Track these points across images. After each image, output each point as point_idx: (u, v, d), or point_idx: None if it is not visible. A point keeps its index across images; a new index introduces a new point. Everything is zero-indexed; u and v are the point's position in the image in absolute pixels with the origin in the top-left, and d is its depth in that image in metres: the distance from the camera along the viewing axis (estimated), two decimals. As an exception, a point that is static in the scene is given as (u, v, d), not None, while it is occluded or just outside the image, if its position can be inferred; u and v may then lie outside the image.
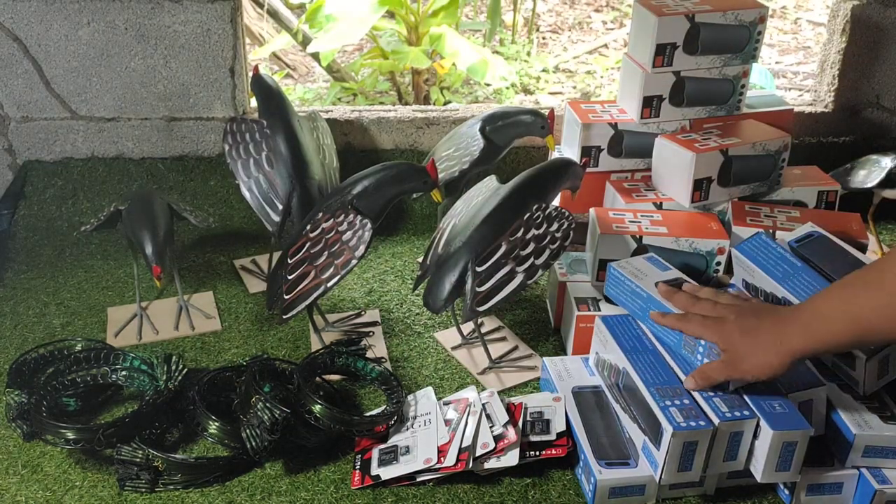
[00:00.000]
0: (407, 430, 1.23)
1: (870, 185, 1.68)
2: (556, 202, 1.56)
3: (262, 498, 1.15)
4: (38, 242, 1.70)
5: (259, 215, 1.55)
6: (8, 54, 1.71)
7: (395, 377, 1.31)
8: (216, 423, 1.19)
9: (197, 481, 1.16)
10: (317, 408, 1.19)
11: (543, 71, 3.52)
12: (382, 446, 1.21)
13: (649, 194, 1.59)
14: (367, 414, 1.29)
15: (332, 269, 1.31)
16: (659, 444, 1.10)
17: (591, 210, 1.50)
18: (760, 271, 1.30)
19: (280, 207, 1.53)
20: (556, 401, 1.24)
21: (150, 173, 1.81)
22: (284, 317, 1.33)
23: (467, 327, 1.46)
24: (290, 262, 1.34)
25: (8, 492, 1.15)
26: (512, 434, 1.18)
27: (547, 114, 1.59)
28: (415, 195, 1.63)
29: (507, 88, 3.37)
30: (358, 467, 1.19)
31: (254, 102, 1.78)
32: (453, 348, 1.44)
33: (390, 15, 3.07)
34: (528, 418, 1.21)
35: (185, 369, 1.30)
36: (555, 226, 1.34)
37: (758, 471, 1.12)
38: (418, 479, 1.18)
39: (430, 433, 1.21)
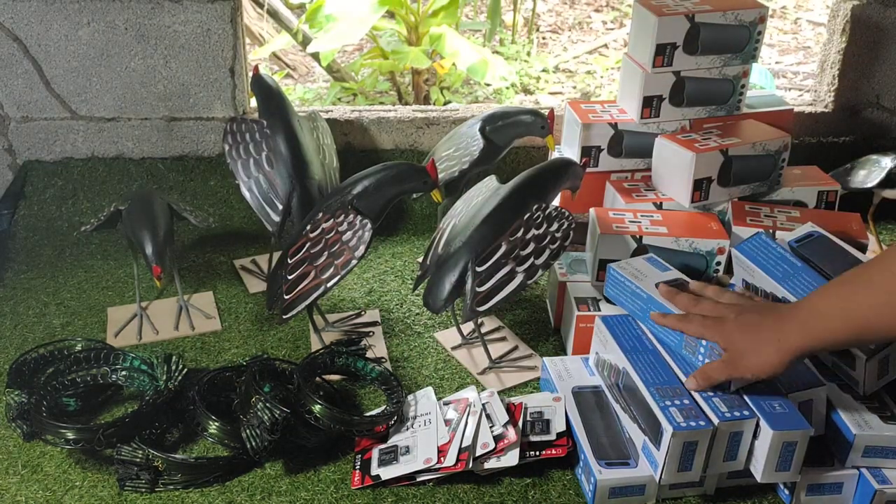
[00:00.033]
0: (407, 430, 1.23)
1: (870, 185, 1.68)
2: (556, 202, 1.56)
3: (262, 498, 1.15)
4: (38, 242, 1.70)
5: (259, 215, 1.55)
6: (8, 54, 1.71)
7: (395, 377, 1.31)
8: (216, 423, 1.19)
9: (197, 481, 1.16)
10: (317, 408, 1.19)
11: (543, 71, 3.52)
12: (382, 446, 1.21)
13: (649, 194, 1.59)
14: (367, 414, 1.29)
15: (332, 270, 1.31)
16: (659, 444, 1.10)
17: (591, 210, 1.50)
18: (760, 271, 1.30)
19: (280, 207, 1.53)
20: (556, 401, 1.24)
21: (150, 173, 1.81)
22: (284, 317, 1.33)
23: (467, 327, 1.46)
24: (290, 262, 1.34)
25: (8, 492, 1.15)
26: (512, 434, 1.18)
27: (547, 114, 1.59)
28: (415, 195, 1.63)
29: (507, 88, 3.37)
30: (358, 467, 1.19)
31: (254, 102, 1.78)
32: (453, 348, 1.44)
33: (390, 15, 3.07)
34: (528, 418, 1.21)
35: (185, 369, 1.30)
36: (555, 226, 1.34)
37: (758, 471, 1.12)
38: (418, 479, 1.18)
39: (430, 433, 1.21)
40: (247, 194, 1.55)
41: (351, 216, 1.32)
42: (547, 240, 1.33)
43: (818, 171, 1.67)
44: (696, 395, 1.13)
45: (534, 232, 1.33)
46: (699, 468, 1.12)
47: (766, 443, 1.09)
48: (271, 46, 3.18)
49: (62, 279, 1.60)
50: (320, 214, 1.34)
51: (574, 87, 3.46)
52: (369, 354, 1.37)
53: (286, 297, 1.33)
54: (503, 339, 1.47)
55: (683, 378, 1.16)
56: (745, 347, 1.08)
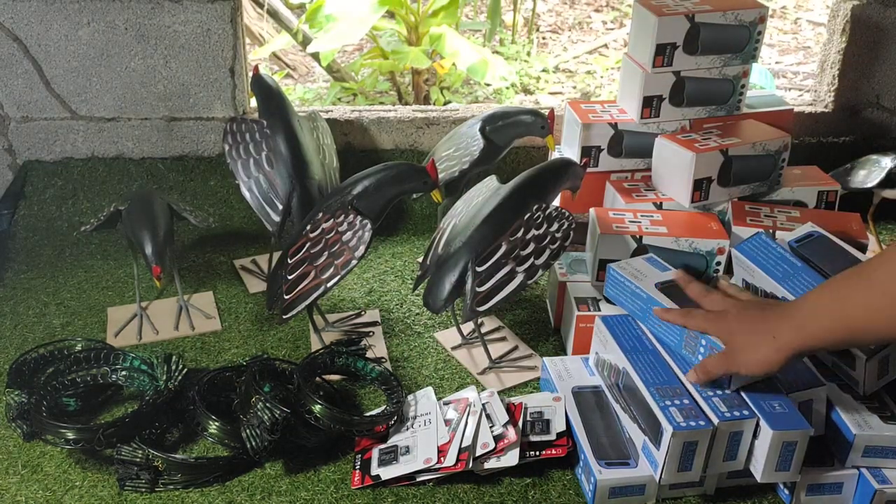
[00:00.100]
0: (407, 430, 1.23)
1: (870, 185, 1.68)
2: (556, 202, 1.56)
3: (262, 498, 1.15)
4: (38, 242, 1.70)
5: (259, 215, 1.55)
6: (8, 54, 1.71)
7: (395, 377, 1.32)
8: (216, 423, 1.19)
9: (197, 481, 1.16)
10: (317, 408, 1.19)
11: (543, 71, 3.52)
12: (382, 446, 1.21)
13: (649, 194, 1.59)
14: (367, 414, 1.29)
15: (332, 270, 1.31)
16: (659, 444, 1.10)
17: (591, 210, 1.50)
18: (760, 271, 1.30)
19: (280, 207, 1.53)
20: (556, 401, 1.24)
21: (150, 173, 1.81)
22: (284, 317, 1.33)
23: (467, 327, 1.46)
24: (290, 262, 1.34)
25: (8, 492, 1.15)
26: (512, 434, 1.18)
27: (547, 114, 1.59)
28: (415, 195, 1.63)
29: (507, 88, 3.37)
30: (358, 467, 1.19)
31: (254, 102, 1.78)
32: (453, 348, 1.44)
33: (390, 15, 3.07)
34: (528, 418, 1.21)
35: (185, 369, 1.30)
36: (555, 226, 1.34)
37: (758, 471, 1.12)
38: (418, 479, 1.18)
39: (430, 433, 1.21)
40: (247, 194, 1.55)
41: (351, 216, 1.32)
42: (547, 240, 1.33)
43: (818, 171, 1.67)
44: (696, 395, 1.13)
45: (534, 232, 1.33)
46: (699, 468, 1.12)
47: (766, 443, 1.09)
48: (271, 46, 3.18)
49: (62, 279, 1.60)
50: (320, 214, 1.34)
51: (574, 87, 3.46)
52: (369, 354, 1.37)
53: (286, 297, 1.33)
54: (503, 339, 1.47)
55: (683, 378, 1.16)
56: (743, 342, 1.08)
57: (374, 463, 1.19)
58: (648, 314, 1.23)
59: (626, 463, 1.15)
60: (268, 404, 1.17)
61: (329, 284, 1.31)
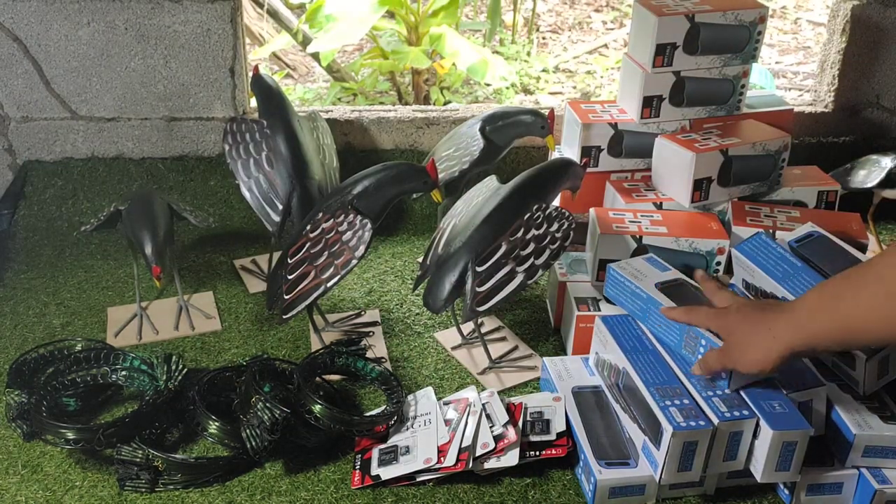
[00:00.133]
0: (407, 430, 1.23)
1: (870, 185, 1.68)
2: (556, 202, 1.56)
3: (262, 498, 1.15)
4: (38, 242, 1.70)
5: (259, 215, 1.55)
6: (8, 54, 1.71)
7: (395, 377, 1.31)
8: (216, 423, 1.19)
9: (197, 481, 1.16)
10: (317, 408, 1.19)
11: (543, 71, 3.52)
12: (382, 446, 1.21)
13: (649, 194, 1.59)
14: (367, 414, 1.29)
15: (332, 269, 1.31)
16: (659, 444, 1.10)
17: (591, 210, 1.50)
18: (760, 271, 1.30)
19: (280, 207, 1.53)
20: (556, 401, 1.24)
21: (150, 173, 1.81)
22: (284, 317, 1.33)
23: (467, 327, 1.46)
24: (290, 262, 1.34)
25: (8, 492, 1.15)
26: (512, 434, 1.18)
27: (547, 114, 1.59)
28: (415, 195, 1.63)
29: (507, 88, 3.37)
30: (358, 467, 1.19)
31: (254, 102, 1.78)
32: (453, 348, 1.44)
33: (390, 15, 3.07)
34: (528, 418, 1.21)
35: (185, 369, 1.30)
36: (555, 226, 1.34)
37: (758, 471, 1.12)
38: (418, 479, 1.18)
39: (430, 433, 1.21)
40: (247, 194, 1.55)
41: (351, 216, 1.32)
42: (547, 240, 1.33)
43: (818, 171, 1.67)
44: (696, 395, 1.13)
45: (534, 232, 1.33)
46: (699, 468, 1.12)
47: (766, 443, 1.09)
48: (271, 46, 3.18)
49: (62, 279, 1.60)
50: (320, 214, 1.34)
51: (574, 87, 3.46)
52: (369, 354, 1.37)
53: (286, 297, 1.33)
54: (503, 339, 1.47)
55: (683, 378, 1.16)
56: (741, 338, 1.08)
57: (374, 463, 1.19)
58: (648, 314, 1.23)
59: (626, 463, 1.15)
60: (268, 404, 1.17)
61: (329, 284, 1.31)
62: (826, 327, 1.02)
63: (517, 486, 1.18)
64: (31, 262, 1.65)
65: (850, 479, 1.15)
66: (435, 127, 1.84)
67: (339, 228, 1.32)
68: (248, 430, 1.17)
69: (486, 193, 1.42)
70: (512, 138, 1.62)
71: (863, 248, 1.43)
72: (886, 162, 1.69)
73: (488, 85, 3.34)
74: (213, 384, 1.28)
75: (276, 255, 1.45)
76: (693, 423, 1.09)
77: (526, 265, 1.32)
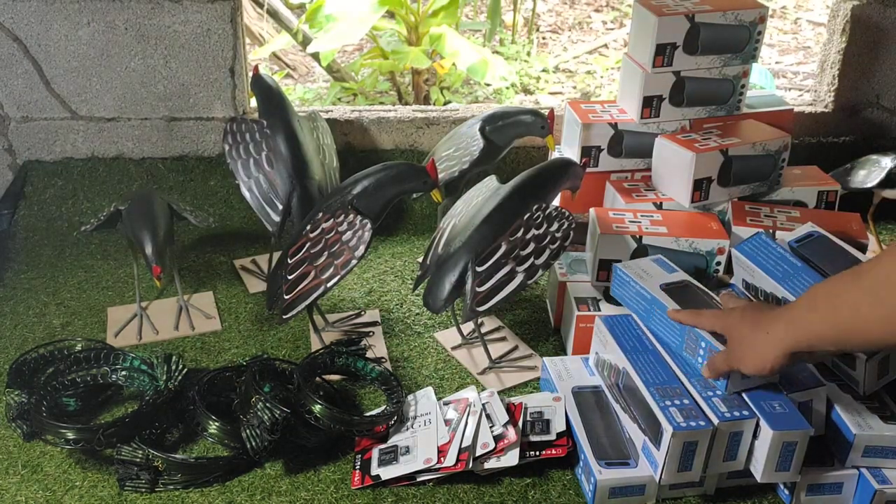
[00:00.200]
0: (407, 430, 1.23)
1: (870, 185, 1.68)
2: (556, 202, 1.56)
3: (262, 498, 1.15)
4: (38, 242, 1.70)
5: (259, 215, 1.55)
6: (8, 54, 1.71)
7: (395, 377, 1.31)
8: (216, 423, 1.19)
9: (197, 481, 1.16)
10: (317, 408, 1.19)
11: (543, 71, 3.52)
12: (382, 446, 1.21)
13: (649, 194, 1.59)
14: (367, 414, 1.29)
15: (332, 270, 1.31)
16: (659, 444, 1.10)
17: (591, 210, 1.50)
18: (760, 271, 1.30)
19: (280, 207, 1.53)
20: (556, 401, 1.24)
21: (150, 173, 1.81)
22: (284, 317, 1.33)
23: (467, 327, 1.46)
24: (290, 262, 1.34)
25: (8, 492, 1.15)
26: (512, 434, 1.18)
27: (547, 114, 1.59)
28: (415, 195, 1.63)
29: (507, 88, 3.37)
30: (358, 467, 1.19)
31: (254, 102, 1.78)
32: (453, 348, 1.44)
33: (390, 15, 3.07)
34: (528, 418, 1.21)
35: (185, 369, 1.30)
36: (555, 226, 1.34)
37: (758, 471, 1.12)
38: (418, 479, 1.18)
39: (430, 433, 1.21)
40: (247, 194, 1.55)
41: (351, 216, 1.32)
42: (547, 240, 1.33)
43: (818, 171, 1.67)
44: (696, 395, 1.13)
45: (534, 232, 1.33)
46: (699, 468, 1.12)
47: (766, 443, 1.09)
48: (271, 46, 3.17)
49: (62, 279, 1.60)
50: (320, 214, 1.34)
51: (574, 87, 3.45)
52: (369, 354, 1.37)
53: (286, 297, 1.33)
54: (503, 339, 1.47)
55: (683, 378, 1.16)
56: (742, 339, 1.08)
57: (374, 463, 1.19)
58: (652, 315, 1.23)
59: (626, 463, 1.15)
60: (268, 404, 1.17)
61: (329, 284, 1.31)
62: (824, 328, 1.01)
63: (517, 486, 1.18)
64: (31, 262, 1.65)
65: (850, 479, 1.15)
66: (435, 127, 1.84)
67: (339, 228, 1.32)
68: (248, 430, 1.17)
69: (486, 193, 1.42)
70: (512, 138, 1.62)
71: (863, 248, 1.43)
72: (886, 162, 1.69)
73: (488, 85, 3.34)
74: (213, 384, 1.28)
75: (276, 255, 1.45)
76: (693, 424, 1.09)
77: (526, 265, 1.31)
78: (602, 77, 3.52)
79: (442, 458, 1.17)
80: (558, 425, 1.20)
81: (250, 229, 1.76)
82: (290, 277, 1.33)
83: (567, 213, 1.35)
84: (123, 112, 1.79)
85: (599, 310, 1.38)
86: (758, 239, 1.35)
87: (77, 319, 1.49)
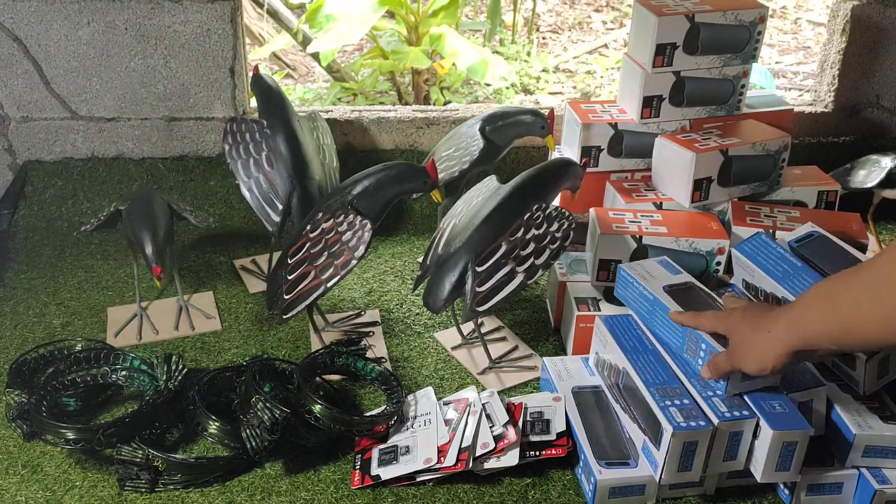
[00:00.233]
0: (407, 430, 1.23)
1: (870, 185, 1.68)
2: (556, 202, 1.56)
3: (262, 498, 1.15)
4: (38, 242, 1.70)
5: (259, 215, 1.55)
6: (8, 54, 1.71)
7: (395, 377, 1.31)
8: (216, 423, 1.19)
9: (197, 481, 1.16)
10: (317, 408, 1.19)
11: (543, 71, 3.52)
12: (382, 446, 1.21)
13: (649, 194, 1.59)
14: (367, 414, 1.29)
15: (331, 270, 1.31)
16: (659, 444, 1.10)
17: (591, 210, 1.50)
18: (760, 271, 1.30)
19: (280, 207, 1.53)
20: (556, 401, 1.24)
21: (150, 173, 1.81)
22: (284, 317, 1.33)
23: (467, 327, 1.46)
24: (290, 262, 1.34)
25: (8, 492, 1.15)
26: (512, 434, 1.18)
27: (547, 114, 1.59)
28: (415, 195, 1.63)
29: (507, 88, 3.37)
30: (358, 467, 1.19)
31: (254, 102, 1.78)
32: (453, 348, 1.44)
33: (390, 15, 3.07)
34: (528, 418, 1.21)
35: (185, 369, 1.30)
36: (555, 226, 1.34)
37: (758, 471, 1.12)
38: (418, 479, 1.18)
39: (430, 433, 1.21)
40: (247, 194, 1.55)
41: (351, 216, 1.32)
42: (547, 240, 1.33)
43: (818, 171, 1.67)
44: (696, 395, 1.13)
45: (534, 232, 1.33)
46: (699, 468, 1.12)
47: (766, 443, 1.09)
48: (271, 46, 3.17)
49: (62, 279, 1.60)
50: (320, 214, 1.34)
51: (574, 87, 3.45)
52: (369, 354, 1.37)
53: (286, 297, 1.33)
54: (503, 339, 1.47)
55: (683, 378, 1.16)
56: (744, 338, 1.08)
57: (374, 463, 1.19)
58: (654, 316, 1.23)
59: (626, 463, 1.15)
60: (268, 404, 1.17)
61: (329, 284, 1.31)
62: (824, 327, 1.01)
63: (517, 486, 1.18)
64: (31, 262, 1.65)
65: (850, 479, 1.15)
66: (435, 127, 1.84)
67: (339, 228, 1.32)
68: (248, 430, 1.17)
69: (486, 193, 1.42)
70: (512, 138, 1.62)
71: (863, 248, 1.43)
72: (886, 162, 1.69)
73: (488, 85, 3.34)
74: (213, 384, 1.28)
75: (276, 255, 1.45)
76: (693, 423, 1.09)
77: (526, 265, 1.31)
78: (602, 77, 3.52)
79: (442, 458, 1.17)
80: (558, 425, 1.20)
81: (250, 229, 1.76)
82: (290, 277, 1.33)
83: (567, 213, 1.35)
84: (123, 112, 1.79)
85: (599, 310, 1.38)
86: (758, 239, 1.35)
87: (77, 319, 1.49)
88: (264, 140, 1.57)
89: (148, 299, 1.53)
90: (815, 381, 1.17)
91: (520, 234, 1.33)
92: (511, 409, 1.22)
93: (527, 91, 3.41)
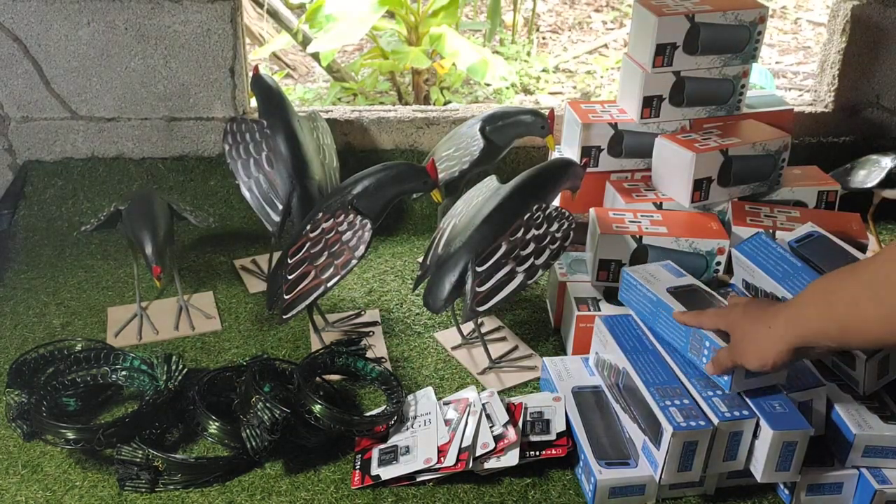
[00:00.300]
0: (407, 430, 1.23)
1: (870, 185, 1.68)
2: (556, 202, 1.56)
3: (262, 498, 1.15)
4: (38, 242, 1.70)
5: (259, 215, 1.55)
6: (8, 54, 1.71)
7: (395, 377, 1.31)
8: (216, 423, 1.19)
9: (197, 481, 1.16)
10: (317, 408, 1.19)
11: (543, 71, 3.52)
12: (382, 446, 1.21)
13: (649, 194, 1.59)
14: (367, 414, 1.29)
15: (332, 269, 1.31)
16: (659, 444, 1.10)
17: (591, 210, 1.50)
18: (760, 271, 1.30)
19: (280, 207, 1.53)
20: (556, 401, 1.24)
21: (150, 173, 1.81)
22: (284, 317, 1.33)
23: (467, 327, 1.46)
24: (290, 262, 1.34)
25: (8, 492, 1.15)
26: (512, 434, 1.18)
27: (547, 114, 1.59)
28: (415, 195, 1.63)
29: (507, 88, 3.37)
30: (358, 467, 1.19)
31: (254, 102, 1.78)
32: (453, 348, 1.44)
33: (390, 15, 3.07)
34: (528, 418, 1.21)
35: (185, 369, 1.30)
36: (555, 226, 1.34)
37: (758, 471, 1.12)
38: (418, 479, 1.18)
39: (430, 433, 1.21)
40: (247, 194, 1.55)
41: (351, 216, 1.32)
42: (547, 240, 1.33)
43: (818, 171, 1.67)
44: (696, 395, 1.13)
45: (534, 232, 1.33)
46: (699, 468, 1.12)
47: (766, 443, 1.09)
48: (271, 46, 3.17)
49: (62, 279, 1.60)
50: (320, 214, 1.34)
51: (574, 87, 3.45)
52: (369, 354, 1.37)
53: (286, 297, 1.33)
54: (503, 339, 1.47)
55: (683, 378, 1.16)
56: (745, 334, 1.08)
57: (374, 463, 1.19)
58: (657, 318, 1.23)
59: (626, 463, 1.15)
60: (268, 404, 1.17)
61: (329, 284, 1.31)
62: (822, 324, 1.01)
63: (517, 486, 1.18)
64: (31, 262, 1.65)
65: (850, 479, 1.15)
66: (435, 127, 1.84)
67: (339, 228, 1.32)
68: (248, 430, 1.17)
69: (486, 193, 1.42)
70: (512, 138, 1.62)
71: (863, 248, 1.43)
72: (886, 162, 1.69)
73: (488, 85, 3.34)
74: (213, 384, 1.28)
75: (276, 255, 1.45)
76: (693, 423, 1.09)
77: (526, 265, 1.31)
78: (602, 77, 3.52)
79: (442, 458, 1.17)
80: (558, 425, 1.20)
81: (250, 229, 1.76)
82: (290, 277, 1.33)
83: (567, 213, 1.35)
84: (123, 112, 1.79)
85: (599, 310, 1.38)
86: (758, 239, 1.35)
87: (77, 319, 1.49)
88: (264, 140, 1.57)
89: (148, 299, 1.53)
90: (815, 381, 1.17)
91: (520, 234, 1.33)
92: (511, 409, 1.22)
93: (527, 91, 3.41)
